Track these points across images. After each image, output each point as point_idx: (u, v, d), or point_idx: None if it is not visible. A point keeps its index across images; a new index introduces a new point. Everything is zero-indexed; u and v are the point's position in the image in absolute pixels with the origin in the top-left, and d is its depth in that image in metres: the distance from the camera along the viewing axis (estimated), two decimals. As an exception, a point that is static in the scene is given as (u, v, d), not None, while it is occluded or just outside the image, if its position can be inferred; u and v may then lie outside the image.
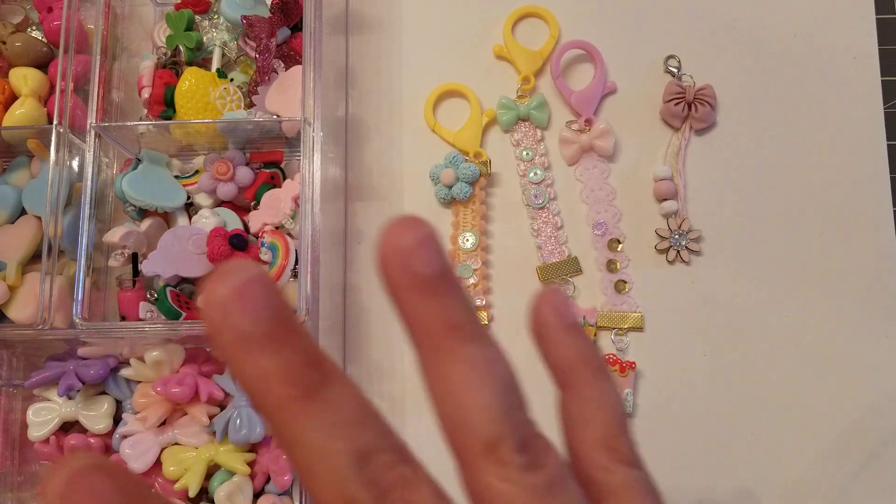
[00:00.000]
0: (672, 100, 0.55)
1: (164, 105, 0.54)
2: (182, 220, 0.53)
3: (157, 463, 0.48)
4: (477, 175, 0.55)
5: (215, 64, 0.56)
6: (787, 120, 0.56)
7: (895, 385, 0.53)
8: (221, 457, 0.47)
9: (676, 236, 0.54)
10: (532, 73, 0.57)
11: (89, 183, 0.50)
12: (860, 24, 0.58)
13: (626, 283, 0.54)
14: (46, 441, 0.49)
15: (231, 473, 0.48)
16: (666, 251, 0.55)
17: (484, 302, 0.54)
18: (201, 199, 0.54)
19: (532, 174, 0.56)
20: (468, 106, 0.57)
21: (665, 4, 0.58)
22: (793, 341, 0.53)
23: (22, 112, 0.53)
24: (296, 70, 0.53)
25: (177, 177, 0.54)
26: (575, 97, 0.56)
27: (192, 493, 0.47)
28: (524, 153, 0.56)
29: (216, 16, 0.58)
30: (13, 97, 0.54)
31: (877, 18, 0.58)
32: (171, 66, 0.55)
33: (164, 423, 0.49)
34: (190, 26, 0.56)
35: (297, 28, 0.55)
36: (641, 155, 0.57)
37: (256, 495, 0.48)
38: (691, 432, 0.52)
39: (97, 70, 0.51)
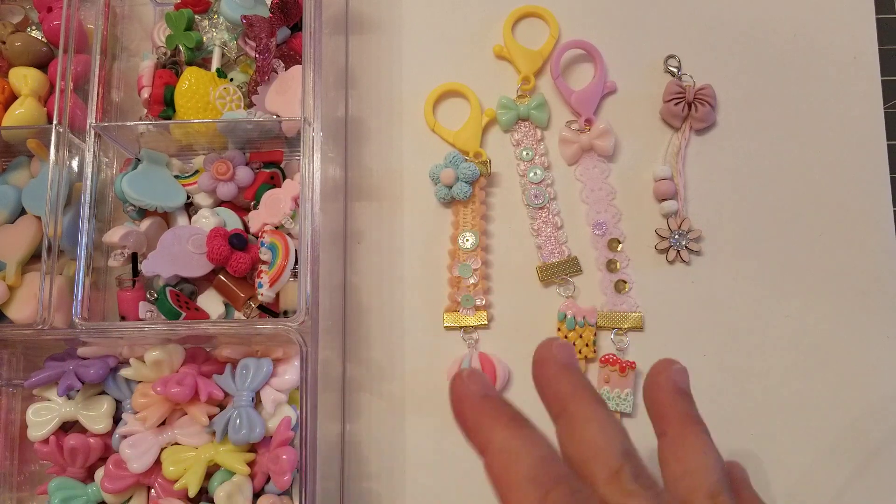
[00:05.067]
0: (672, 100, 0.55)
1: (164, 105, 0.54)
2: (182, 220, 0.53)
3: (157, 463, 0.48)
4: (477, 175, 0.55)
5: (215, 64, 0.56)
6: (787, 120, 0.56)
7: (895, 385, 0.53)
8: (221, 457, 0.47)
9: (676, 236, 0.54)
10: (532, 72, 0.57)
11: (89, 183, 0.50)
12: (860, 24, 0.58)
13: (626, 283, 0.54)
14: (46, 441, 0.49)
15: (231, 473, 0.48)
16: (666, 251, 0.55)
17: (484, 302, 0.54)
18: (201, 198, 0.54)
19: (532, 174, 0.56)
20: (468, 106, 0.57)
21: (665, 4, 0.58)
22: (793, 341, 0.53)
23: (22, 112, 0.53)
24: (296, 70, 0.53)
25: (177, 177, 0.54)
26: (575, 97, 0.56)
27: (191, 493, 0.47)
28: (524, 153, 0.56)
29: (216, 15, 0.58)
30: (13, 97, 0.54)
31: (877, 18, 0.58)
32: (170, 66, 0.55)
33: (163, 423, 0.49)
34: (190, 26, 0.56)
35: (297, 28, 0.55)
36: (641, 155, 0.57)
37: (256, 495, 0.48)
38: (691, 432, 0.52)
39: (97, 70, 0.51)
